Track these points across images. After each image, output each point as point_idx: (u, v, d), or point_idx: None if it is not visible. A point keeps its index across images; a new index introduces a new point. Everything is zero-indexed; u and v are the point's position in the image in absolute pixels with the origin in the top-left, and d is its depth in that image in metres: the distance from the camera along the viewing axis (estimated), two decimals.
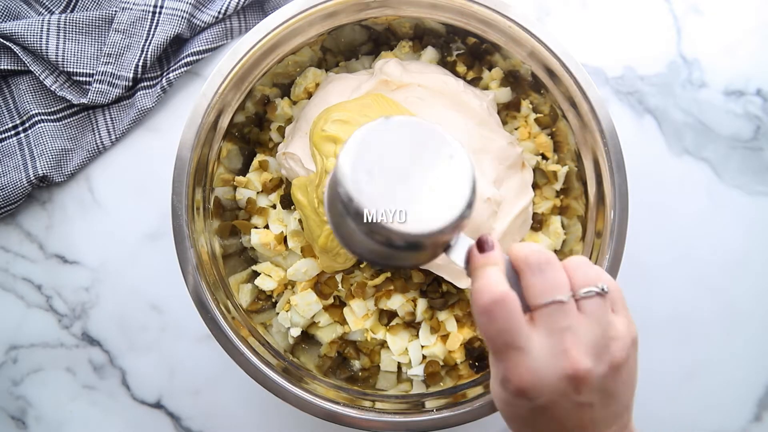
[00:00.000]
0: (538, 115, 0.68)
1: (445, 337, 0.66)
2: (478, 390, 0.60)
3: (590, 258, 0.61)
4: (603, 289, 0.39)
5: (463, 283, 0.62)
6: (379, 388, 0.65)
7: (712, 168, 0.73)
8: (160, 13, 0.72)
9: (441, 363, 0.67)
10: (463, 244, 0.40)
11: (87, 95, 0.72)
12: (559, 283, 0.39)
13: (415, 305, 0.66)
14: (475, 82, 0.68)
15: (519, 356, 0.38)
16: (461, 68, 0.69)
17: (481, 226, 0.60)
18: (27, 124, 0.73)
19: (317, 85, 0.68)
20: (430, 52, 0.69)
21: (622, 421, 0.41)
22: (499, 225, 0.61)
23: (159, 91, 0.73)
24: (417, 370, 0.66)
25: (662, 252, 0.72)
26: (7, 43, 0.71)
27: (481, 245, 0.40)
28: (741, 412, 0.71)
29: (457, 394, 0.61)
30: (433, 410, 0.58)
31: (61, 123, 0.73)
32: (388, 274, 0.66)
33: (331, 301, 0.67)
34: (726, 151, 0.73)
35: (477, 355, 0.67)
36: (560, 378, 0.38)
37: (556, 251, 0.68)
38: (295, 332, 0.67)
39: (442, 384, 0.64)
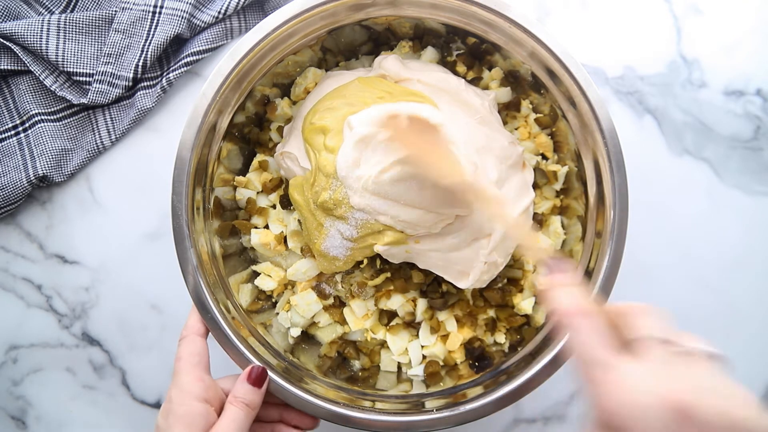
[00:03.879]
0: (538, 115, 0.68)
1: (445, 337, 0.66)
2: (478, 390, 0.60)
3: (590, 258, 0.61)
4: None
5: (462, 283, 0.62)
6: (379, 388, 0.65)
7: (712, 168, 0.73)
8: (160, 13, 0.72)
9: (441, 363, 0.67)
10: None
11: (87, 95, 0.72)
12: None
13: (415, 305, 0.66)
14: (475, 82, 0.68)
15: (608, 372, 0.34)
16: (461, 68, 0.69)
17: (483, 227, 0.59)
18: (27, 124, 0.73)
19: (317, 84, 0.68)
20: (430, 52, 0.69)
21: None
22: (500, 226, 0.61)
23: (159, 91, 0.73)
24: (417, 370, 0.66)
25: (662, 252, 0.72)
26: (7, 43, 0.71)
27: None
28: None
29: (457, 394, 0.61)
30: (433, 410, 0.58)
31: (61, 123, 0.73)
32: (388, 274, 0.66)
33: (331, 301, 0.67)
34: (726, 151, 0.73)
35: (477, 355, 0.67)
36: (665, 407, 0.32)
37: (555, 251, 0.68)
38: (295, 332, 0.67)
39: (442, 384, 0.64)
